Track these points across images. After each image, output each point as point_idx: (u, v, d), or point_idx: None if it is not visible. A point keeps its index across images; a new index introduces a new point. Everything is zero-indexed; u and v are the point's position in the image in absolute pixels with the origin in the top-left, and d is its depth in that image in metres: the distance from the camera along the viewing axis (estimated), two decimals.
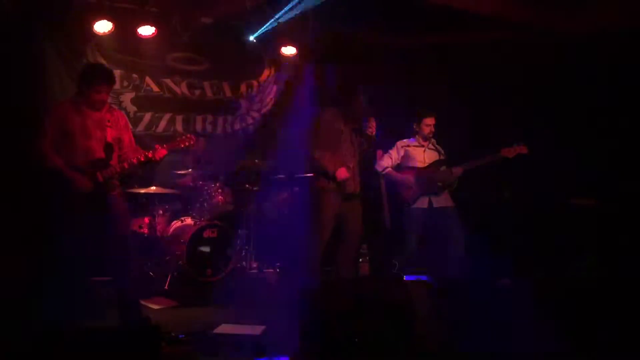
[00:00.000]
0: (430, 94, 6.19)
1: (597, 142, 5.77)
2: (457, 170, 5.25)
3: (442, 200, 5.30)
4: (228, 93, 7.07)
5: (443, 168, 5.31)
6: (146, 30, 6.20)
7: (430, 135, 5.41)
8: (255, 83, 7.22)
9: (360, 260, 6.07)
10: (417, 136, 5.46)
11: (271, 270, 6.31)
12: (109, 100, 4.22)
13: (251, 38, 6.79)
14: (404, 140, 5.50)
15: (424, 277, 4.36)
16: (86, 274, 4.87)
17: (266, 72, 7.27)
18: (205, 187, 5.93)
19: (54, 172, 3.85)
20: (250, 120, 7.22)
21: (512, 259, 5.33)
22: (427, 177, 5.27)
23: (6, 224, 5.06)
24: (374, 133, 4.68)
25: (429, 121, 5.36)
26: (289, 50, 7.03)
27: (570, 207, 5.74)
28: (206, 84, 6.92)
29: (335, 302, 3.55)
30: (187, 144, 4.30)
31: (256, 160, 6.32)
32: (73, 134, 3.90)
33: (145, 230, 5.77)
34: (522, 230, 5.81)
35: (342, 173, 4.59)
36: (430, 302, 3.90)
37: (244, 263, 6.27)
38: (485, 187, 5.91)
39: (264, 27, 6.52)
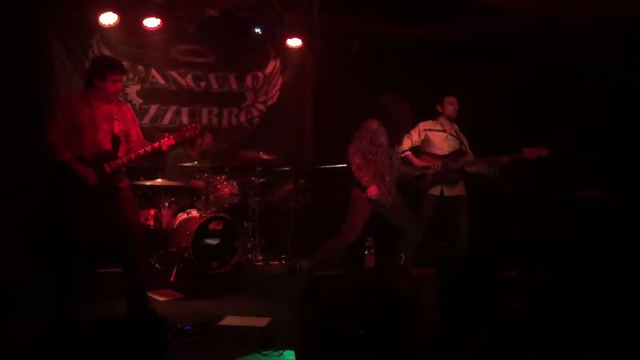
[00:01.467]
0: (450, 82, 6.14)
1: (605, 134, 5.73)
2: (474, 166, 5.22)
3: (454, 190, 5.28)
4: (233, 85, 7.07)
5: (462, 160, 5.25)
6: (151, 22, 6.18)
7: (454, 115, 5.35)
8: (260, 75, 7.21)
9: (366, 252, 6.07)
10: (441, 118, 5.39)
11: (277, 262, 6.32)
12: None
13: (257, 30, 6.77)
14: (427, 122, 5.42)
15: (429, 270, 4.36)
16: (94, 265, 4.92)
17: (272, 64, 7.26)
18: (211, 180, 5.94)
19: (63, 165, 3.86)
20: (255, 113, 7.22)
21: (517, 252, 5.32)
22: (444, 167, 5.23)
23: (16, 217, 5.09)
24: None
25: (452, 100, 5.33)
26: (294, 42, 7.01)
27: (576, 199, 5.70)
28: (212, 76, 6.92)
29: (341, 294, 3.55)
30: (193, 133, 4.28)
31: (261, 153, 6.32)
32: (82, 126, 3.90)
33: (152, 223, 5.79)
34: (528, 222, 5.79)
35: (372, 191, 4.61)
36: (435, 294, 3.90)
37: (249, 255, 6.29)
38: (491, 180, 5.87)
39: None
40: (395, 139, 4.79)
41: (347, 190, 4.79)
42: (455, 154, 5.29)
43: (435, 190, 5.26)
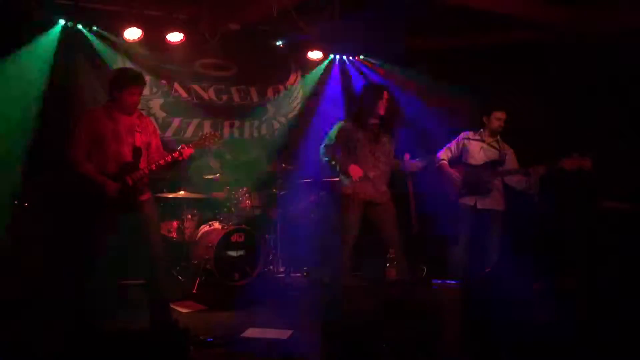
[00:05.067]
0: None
1: (633, 144, 5.63)
2: (507, 176, 5.11)
3: (488, 202, 5.14)
4: (255, 98, 7.12)
5: (495, 170, 5.11)
6: (175, 37, 6.27)
7: (499, 130, 5.21)
8: (282, 88, 7.25)
9: (388, 264, 6.03)
10: (484, 130, 5.27)
11: (298, 274, 6.31)
12: (139, 106, 4.27)
13: (278, 43, 6.82)
14: (469, 132, 5.33)
15: (452, 282, 4.31)
16: (117, 276, 4.96)
17: (293, 77, 7.30)
18: (233, 192, 5.97)
19: (85, 178, 3.91)
20: (276, 125, 7.25)
21: (543, 263, 5.23)
22: (476, 176, 5.11)
23: (40, 228, 5.17)
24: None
25: (500, 115, 5.16)
26: (315, 55, 7.05)
27: (602, 210, 5.60)
28: (233, 89, 6.97)
29: (363, 306, 3.54)
30: (212, 142, 4.29)
31: (283, 165, 6.34)
32: (105, 139, 3.96)
33: (174, 235, 5.83)
34: (554, 233, 5.70)
35: (355, 170, 4.56)
36: (459, 307, 3.85)
37: (271, 267, 6.29)
38: (515, 190, 5.81)
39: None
40: (377, 132, 4.70)
41: (335, 198, 4.78)
42: (489, 164, 5.19)
43: (470, 200, 5.18)
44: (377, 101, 4.64)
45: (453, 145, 5.35)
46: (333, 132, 4.76)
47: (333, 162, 4.70)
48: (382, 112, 4.65)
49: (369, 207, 4.70)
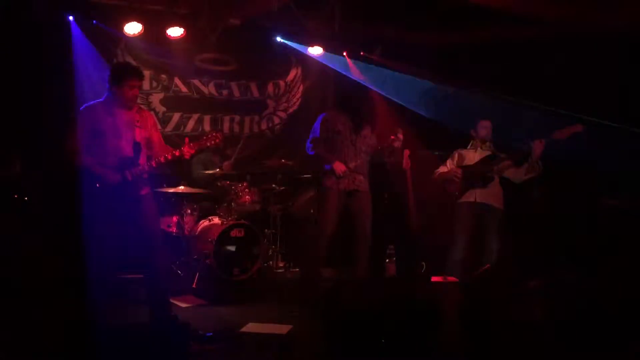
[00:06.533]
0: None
1: (629, 141, 5.63)
2: (506, 161, 5.14)
3: (487, 196, 5.16)
4: (255, 93, 7.12)
5: (496, 159, 5.16)
6: (175, 32, 6.27)
7: (488, 138, 5.34)
8: (282, 83, 7.25)
9: (387, 260, 6.05)
10: (474, 141, 5.39)
11: (297, 269, 6.33)
12: (138, 100, 4.27)
13: (278, 38, 6.82)
14: (462, 149, 5.47)
15: (451, 278, 4.32)
16: (116, 271, 4.97)
17: (293, 72, 7.30)
18: (233, 187, 5.98)
19: (85, 171, 3.92)
20: (277, 120, 7.26)
21: (541, 260, 5.24)
22: (474, 170, 5.18)
23: (39, 223, 5.18)
24: (399, 146, 4.84)
25: (485, 124, 5.33)
26: (316, 50, 7.04)
27: (600, 206, 5.61)
28: (233, 84, 6.98)
29: (362, 302, 3.55)
30: (214, 142, 4.30)
31: (283, 160, 6.34)
32: (104, 134, 3.96)
33: (174, 229, 5.84)
34: (552, 230, 5.71)
35: (338, 166, 4.73)
36: (457, 303, 3.87)
37: (270, 262, 6.30)
38: (514, 187, 5.82)
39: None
40: (359, 122, 4.88)
41: (316, 191, 4.96)
42: (487, 157, 5.23)
43: (469, 197, 5.20)
44: (360, 99, 4.94)
45: (449, 160, 5.44)
46: (317, 125, 4.93)
47: (318, 156, 4.87)
48: (364, 108, 4.93)
49: (348, 197, 4.83)
